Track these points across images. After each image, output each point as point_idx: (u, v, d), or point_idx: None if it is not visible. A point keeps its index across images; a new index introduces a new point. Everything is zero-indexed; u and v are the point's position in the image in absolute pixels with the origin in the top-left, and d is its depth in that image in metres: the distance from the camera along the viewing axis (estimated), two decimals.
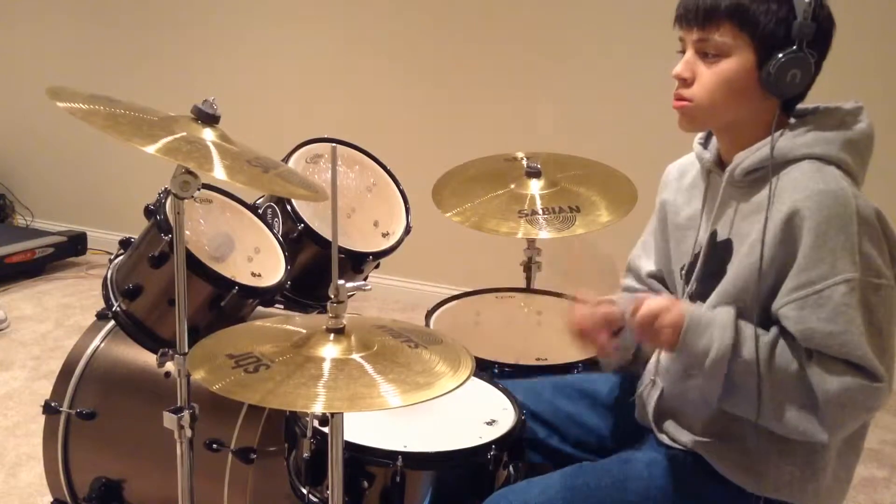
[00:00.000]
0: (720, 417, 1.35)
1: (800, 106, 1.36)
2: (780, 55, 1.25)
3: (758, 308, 1.28)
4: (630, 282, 1.64)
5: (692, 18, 1.30)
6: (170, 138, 1.41)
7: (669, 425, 1.45)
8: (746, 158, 1.32)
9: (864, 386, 1.20)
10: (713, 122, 1.37)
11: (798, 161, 1.28)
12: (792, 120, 1.36)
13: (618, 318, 1.39)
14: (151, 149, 1.35)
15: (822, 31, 1.27)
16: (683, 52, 1.34)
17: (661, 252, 1.56)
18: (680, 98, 1.33)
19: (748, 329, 1.26)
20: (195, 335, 1.49)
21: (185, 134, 1.45)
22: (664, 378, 1.45)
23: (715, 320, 1.27)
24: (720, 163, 1.41)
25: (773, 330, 1.27)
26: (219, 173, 1.37)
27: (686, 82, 1.32)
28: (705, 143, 1.44)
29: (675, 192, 1.52)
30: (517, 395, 1.62)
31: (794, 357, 1.23)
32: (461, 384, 1.18)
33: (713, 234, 1.39)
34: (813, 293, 1.21)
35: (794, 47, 1.25)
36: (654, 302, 1.30)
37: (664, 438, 1.45)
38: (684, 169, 1.52)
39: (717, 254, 1.37)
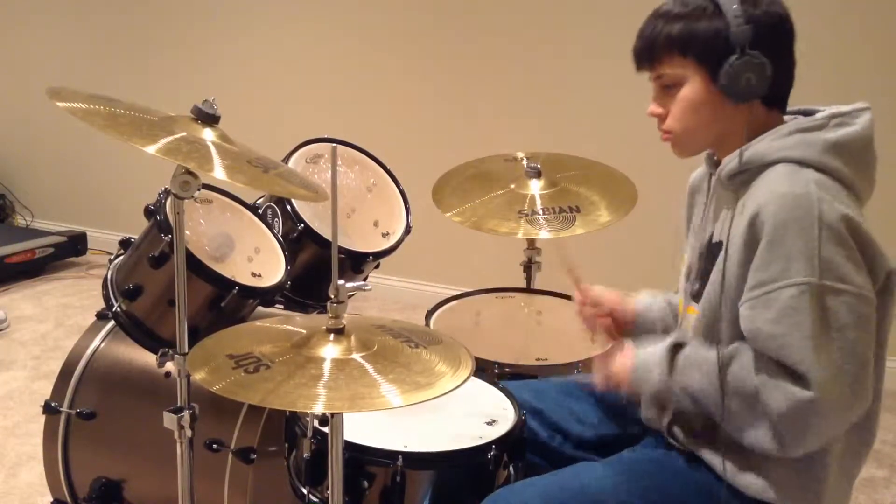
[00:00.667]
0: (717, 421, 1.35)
1: (809, 107, 1.37)
2: (724, 66, 1.28)
3: (731, 312, 1.30)
4: (650, 299, 1.68)
5: (642, 61, 1.37)
6: (170, 138, 1.41)
7: (672, 426, 1.45)
8: (730, 162, 1.34)
9: (801, 396, 1.18)
10: (699, 143, 1.41)
11: (775, 164, 1.29)
12: (790, 118, 1.36)
13: (604, 298, 1.63)
14: (152, 149, 1.35)
15: (762, 29, 1.28)
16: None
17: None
18: (663, 132, 1.39)
19: (695, 355, 1.32)
20: (195, 335, 1.49)
21: (185, 134, 1.45)
22: None
23: (655, 362, 1.36)
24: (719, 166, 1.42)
25: (732, 346, 1.29)
26: (219, 173, 1.37)
27: (661, 117, 1.38)
28: None
29: (695, 194, 1.55)
30: (520, 394, 1.62)
31: (750, 372, 1.24)
32: (461, 384, 1.18)
33: (710, 237, 1.41)
34: (762, 294, 1.23)
35: (737, 55, 1.27)
36: (610, 363, 1.44)
37: (665, 436, 1.45)
38: (703, 174, 1.54)
39: (712, 255, 1.38)
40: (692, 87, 1.33)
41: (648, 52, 1.35)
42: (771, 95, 1.32)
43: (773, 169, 1.28)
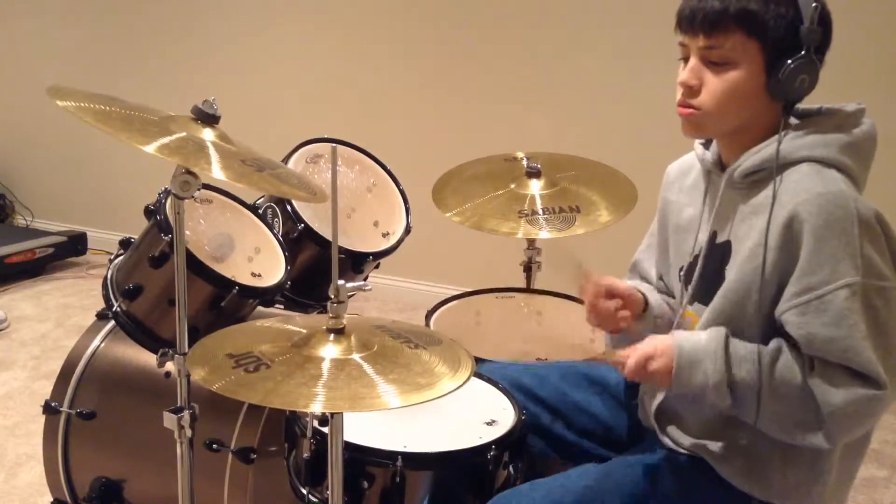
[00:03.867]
0: (720, 423, 1.35)
1: (803, 106, 1.35)
2: (790, 62, 1.24)
3: (761, 313, 1.27)
4: (635, 283, 1.63)
5: (698, 25, 1.27)
6: (167, 138, 1.40)
7: (671, 429, 1.44)
8: (747, 160, 1.31)
9: (868, 395, 1.19)
10: (720, 129, 1.35)
11: (797, 163, 1.27)
12: (793, 120, 1.35)
13: (620, 287, 1.44)
14: (150, 147, 1.34)
15: (826, 33, 1.27)
16: (685, 58, 1.32)
17: (660, 252, 1.56)
18: (686, 106, 1.31)
19: (743, 349, 1.26)
20: (195, 335, 1.48)
21: (183, 134, 1.44)
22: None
23: (706, 353, 1.27)
24: (720, 163, 1.40)
25: (774, 342, 1.26)
26: (211, 170, 1.36)
27: (693, 90, 1.30)
28: (706, 143, 1.44)
29: (677, 191, 1.51)
30: (522, 380, 1.61)
31: (796, 370, 1.23)
32: (461, 385, 1.18)
33: (713, 236, 1.39)
34: (814, 298, 1.20)
35: (803, 53, 1.24)
36: (640, 351, 1.31)
37: (667, 441, 1.45)
38: (686, 168, 1.51)
39: (716, 256, 1.37)
40: (744, 72, 1.26)
41: (713, 20, 1.25)
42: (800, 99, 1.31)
43: (796, 169, 1.27)
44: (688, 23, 1.29)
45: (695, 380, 1.28)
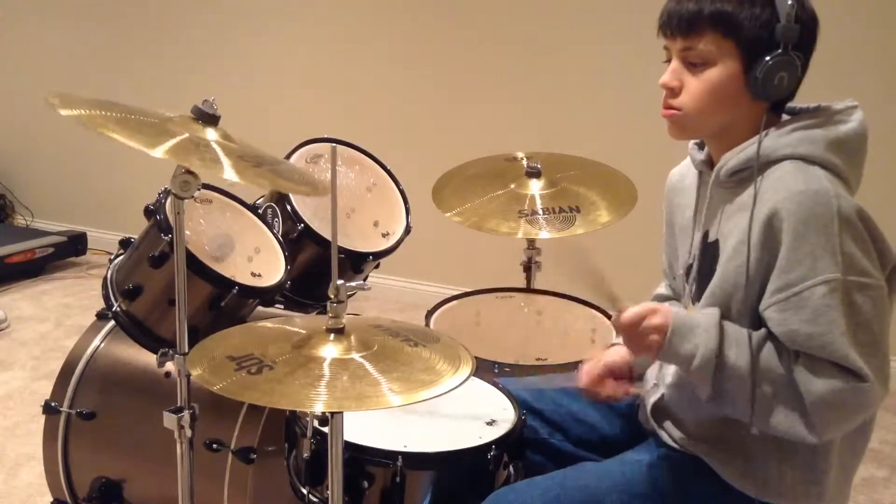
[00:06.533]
0: (718, 422, 1.35)
1: (797, 104, 1.35)
2: (767, 59, 1.25)
3: (747, 310, 1.28)
4: (663, 289, 1.63)
5: (675, 27, 1.30)
6: (173, 140, 1.40)
7: (669, 426, 1.45)
8: (731, 159, 1.32)
9: (851, 387, 1.19)
10: (703, 129, 1.37)
11: (780, 161, 1.27)
12: (785, 116, 1.35)
13: (620, 364, 1.49)
14: (158, 152, 1.34)
15: (806, 32, 1.27)
16: (669, 60, 1.34)
17: (669, 255, 1.57)
18: (668, 107, 1.33)
19: (733, 331, 1.26)
20: (195, 335, 1.49)
21: (186, 135, 1.44)
22: (665, 385, 1.45)
23: (700, 324, 1.27)
24: (711, 164, 1.40)
25: (762, 331, 1.26)
26: (229, 174, 1.36)
27: (674, 91, 1.32)
28: (700, 144, 1.44)
29: (678, 193, 1.52)
30: (518, 393, 1.62)
31: (780, 358, 1.23)
32: (465, 380, 1.18)
33: (705, 235, 1.39)
34: (793, 295, 1.21)
35: (780, 51, 1.25)
36: (639, 306, 1.31)
37: (665, 437, 1.45)
38: (684, 172, 1.52)
39: (709, 254, 1.37)
40: (722, 71, 1.28)
41: (688, 22, 1.27)
42: (783, 97, 1.31)
43: (779, 166, 1.27)
44: (666, 26, 1.31)
45: (685, 347, 1.27)
